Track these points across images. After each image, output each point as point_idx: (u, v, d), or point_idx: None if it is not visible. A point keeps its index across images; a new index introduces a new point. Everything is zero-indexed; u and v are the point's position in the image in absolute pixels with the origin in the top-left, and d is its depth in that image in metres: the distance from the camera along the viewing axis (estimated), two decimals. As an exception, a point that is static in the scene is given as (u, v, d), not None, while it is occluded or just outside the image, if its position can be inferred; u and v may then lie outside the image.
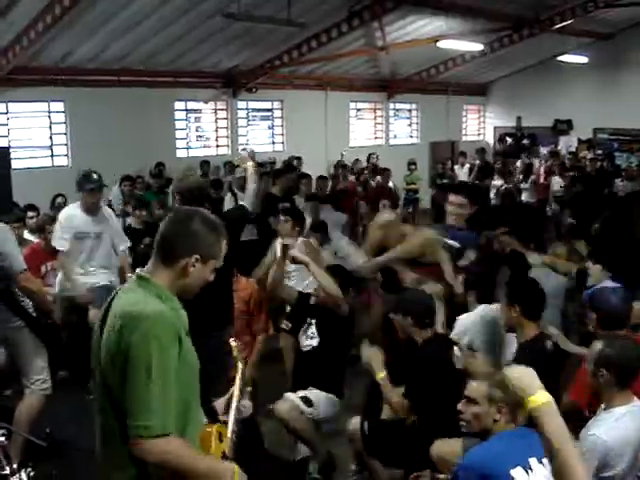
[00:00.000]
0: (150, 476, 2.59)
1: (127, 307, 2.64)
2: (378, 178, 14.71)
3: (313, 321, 5.58)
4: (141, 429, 2.49)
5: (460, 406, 3.63)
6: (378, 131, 20.77)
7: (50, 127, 13.51)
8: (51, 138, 13.58)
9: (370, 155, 17.43)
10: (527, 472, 3.22)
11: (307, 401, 5.16)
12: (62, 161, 13.60)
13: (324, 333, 5.49)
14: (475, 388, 3.59)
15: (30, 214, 8.65)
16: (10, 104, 12.77)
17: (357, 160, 17.01)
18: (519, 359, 4.22)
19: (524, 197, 14.52)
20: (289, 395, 5.16)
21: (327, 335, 5.46)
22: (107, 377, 2.59)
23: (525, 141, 21.66)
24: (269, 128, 17.97)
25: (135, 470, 2.60)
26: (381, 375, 4.82)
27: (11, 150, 11.14)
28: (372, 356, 4.91)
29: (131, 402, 2.49)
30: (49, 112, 13.45)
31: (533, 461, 3.25)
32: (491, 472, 3.21)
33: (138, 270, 2.81)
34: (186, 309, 4.70)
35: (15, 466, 3.72)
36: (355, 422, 4.95)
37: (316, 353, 5.49)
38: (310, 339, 5.57)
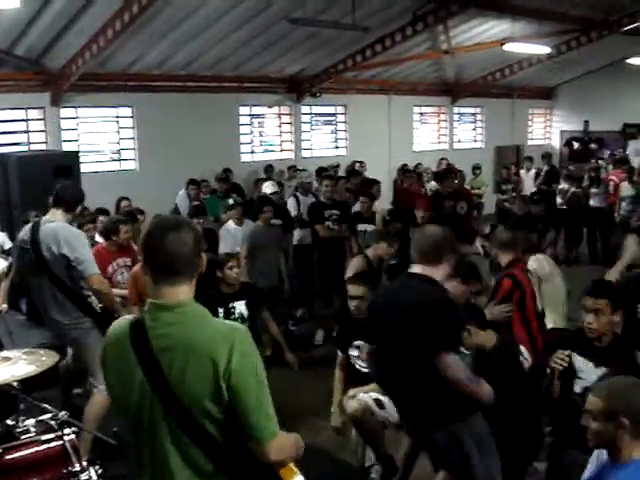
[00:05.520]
0: None
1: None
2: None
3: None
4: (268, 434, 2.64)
5: (583, 420, 3.34)
6: (442, 135, 20.64)
7: (118, 132, 13.78)
8: (119, 143, 13.86)
9: (441, 160, 17.28)
10: None
11: (379, 403, 5.10)
12: (130, 165, 13.88)
13: None
14: (592, 402, 3.26)
15: (101, 218, 8.79)
16: (79, 109, 13.05)
17: (419, 164, 16.90)
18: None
19: (592, 202, 14.18)
20: (362, 395, 5.08)
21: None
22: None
23: (592, 145, 21.22)
24: (332, 133, 18.03)
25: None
26: None
27: (80, 154, 11.35)
28: None
29: (254, 411, 2.60)
30: (117, 117, 13.72)
31: None
32: None
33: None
34: None
35: (85, 463, 3.80)
36: None
37: None
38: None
